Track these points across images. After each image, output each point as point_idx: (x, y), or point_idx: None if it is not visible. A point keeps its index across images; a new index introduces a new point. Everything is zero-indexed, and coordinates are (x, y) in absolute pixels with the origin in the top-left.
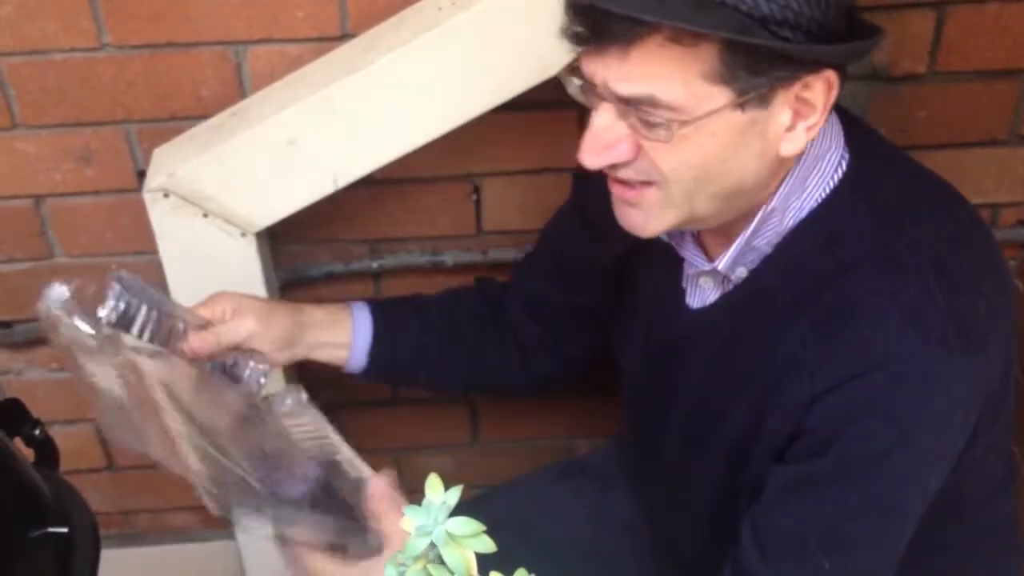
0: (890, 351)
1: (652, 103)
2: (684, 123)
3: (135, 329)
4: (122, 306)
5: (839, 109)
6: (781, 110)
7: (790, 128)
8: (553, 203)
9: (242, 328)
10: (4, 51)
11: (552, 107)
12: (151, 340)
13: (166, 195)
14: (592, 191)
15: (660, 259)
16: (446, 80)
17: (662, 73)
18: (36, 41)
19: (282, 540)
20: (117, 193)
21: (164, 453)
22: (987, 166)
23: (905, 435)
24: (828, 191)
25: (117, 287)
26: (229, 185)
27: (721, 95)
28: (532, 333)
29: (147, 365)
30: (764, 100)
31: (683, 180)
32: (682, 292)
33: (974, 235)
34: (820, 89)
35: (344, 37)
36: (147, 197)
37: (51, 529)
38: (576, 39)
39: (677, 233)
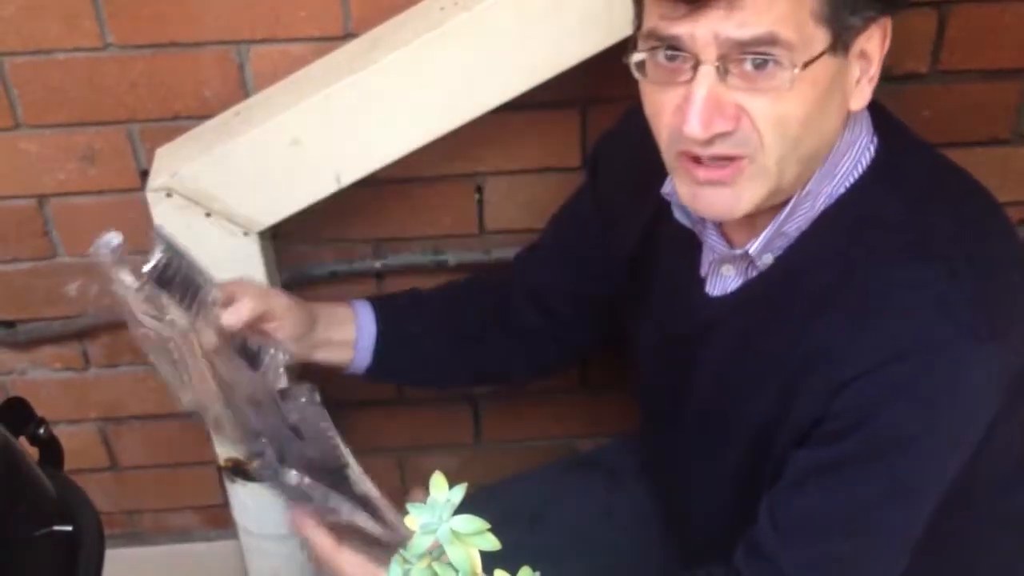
0: (920, 338)
1: (773, 42)
2: (803, 64)
3: (174, 288)
4: (163, 262)
5: None
6: (854, 61)
7: (857, 81)
8: (557, 202)
9: (270, 303)
10: (7, 51)
11: (555, 106)
12: (186, 302)
13: (169, 195)
14: (606, 186)
15: (678, 249)
16: (449, 79)
17: (778, 13)
18: (39, 41)
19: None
20: (120, 193)
21: (202, 405)
22: (990, 166)
23: (932, 422)
24: (856, 177)
25: (163, 244)
26: (232, 185)
27: (823, 37)
28: (535, 322)
29: (184, 323)
30: (846, 47)
31: (782, 141)
32: (701, 280)
33: (999, 226)
34: (877, 40)
35: (347, 37)
36: (150, 197)
37: (56, 528)
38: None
39: (700, 220)
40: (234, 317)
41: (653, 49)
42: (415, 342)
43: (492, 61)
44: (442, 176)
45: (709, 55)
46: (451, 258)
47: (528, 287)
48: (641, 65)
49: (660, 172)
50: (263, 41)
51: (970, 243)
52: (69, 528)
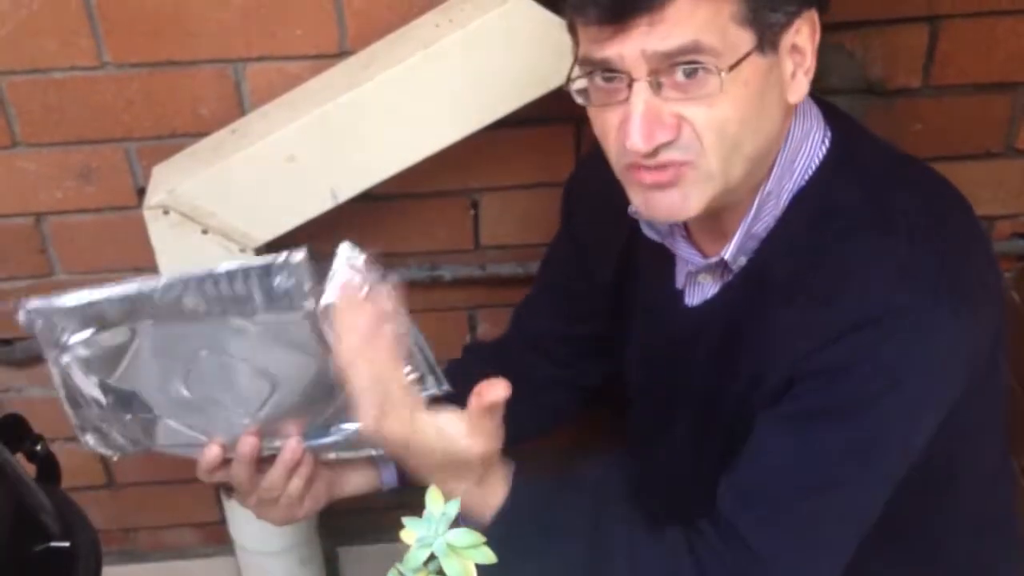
0: (882, 305)
1: (697, 50)
2: (729, 68)
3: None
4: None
5: (810, 94)
6: (785, 56)
7: (792, 75)
8: (551, 217)
9: None
10: (4, 70)
11: (549, 122)
12: None
13: (166, 212)
14: (580, 217)
15: (653, 266)
16: (444, 96)
17: (700, 21)
18: (36, 60)
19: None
20: (117, 210)
21: None
22: (982, 179)
23: (896, 381)
24: (815, 168)
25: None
26: (229, 201)
27: (748, 38)
28: (547, 374)
29: None
30: (774, 44)
31: (722, 143)
32: (679, 293)
33: (959, 207)
34: (807, 33)
35: (342, 54)
36: (147, 214)
37: (53, 544)
38: (599, 20)
39: (669, 233)
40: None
41: (590, 74)
42: None
43: (487, 78)
44: (437, 192)
45: (640, 71)
46: (447, 273)
47: (529, 339)
48: (583, 91)
49: (627, 198)
50: (259, 59)
51: (931, 216)
52: (66, 544)
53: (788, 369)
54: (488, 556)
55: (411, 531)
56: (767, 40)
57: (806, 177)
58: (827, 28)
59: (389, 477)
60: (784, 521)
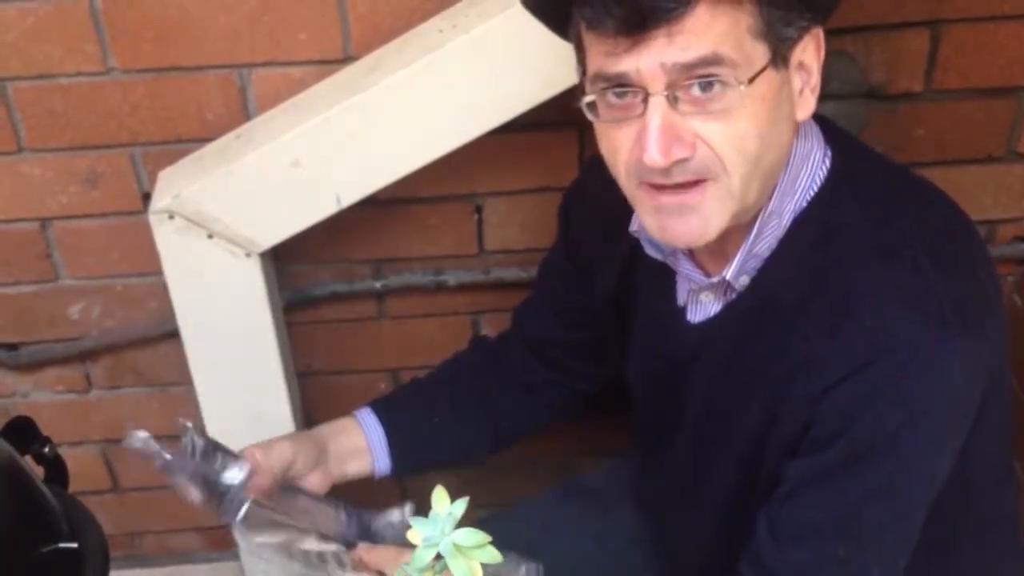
0: (892, 337)
1: (716, 61)
2: (748, 81)
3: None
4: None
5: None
6: (794, 72)
7: (800, 92)
8: (555, 221)
9: (285, 451)
10: (10, 75)
11: (553, 127)
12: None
13: (171, 216)
14: (578, 230)
15: (654, 282)
16: (448, 101)
17: (717, 33)
18: (42, 65)
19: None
20: (122, 215)
21: None
22: (984, 183)
23: (913, 417)
24: (816, 189)
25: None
26: (233, 206)
27: (763, 52)
28: (541, 375)
29: None
30: (786, 59)
31: (743, 159)
32: (681, 309)
33: (960, 225)
34: (812, 50)
35: (346, 60)
36: (152, 219)
37: (61, 545)
38: (616, 32)
39: (671, 252)
40: (263, 488)
41: (602, 90)
42: (425, 428)
43: (490, 83)
44: (441, 196)
45: (657, 85)
46: (451, 278)
47: (526, 340)
48: (592, 106)
49: (629, 212)
50: (264, 64)
51: (932, 241)
52: (74, 545)
53: (803, 410)
54: (495, 556)
55: (417, 531)
56: (780, 55)
57: (808, 197)
58: (828, 33)
59: (382, 467)
60: (827, 567)
